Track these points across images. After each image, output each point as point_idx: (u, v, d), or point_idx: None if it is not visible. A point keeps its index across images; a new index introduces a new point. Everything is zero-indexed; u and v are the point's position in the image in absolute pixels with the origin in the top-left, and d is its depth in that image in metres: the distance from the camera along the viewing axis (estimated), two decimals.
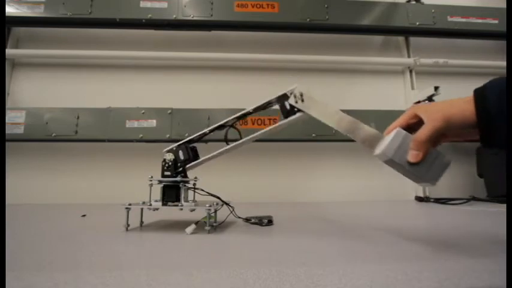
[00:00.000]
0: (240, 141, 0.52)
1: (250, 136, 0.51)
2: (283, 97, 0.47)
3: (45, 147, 1.17)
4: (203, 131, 0.54)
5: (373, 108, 1.22)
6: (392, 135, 0.37)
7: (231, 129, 0.55)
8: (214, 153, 0.53)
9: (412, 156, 0.35)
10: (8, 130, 1.06)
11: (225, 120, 0.54)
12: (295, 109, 0.46)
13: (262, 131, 0.51)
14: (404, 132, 0.37)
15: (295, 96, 0.46)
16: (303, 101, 0.45)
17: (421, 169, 0.35)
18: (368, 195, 1.22)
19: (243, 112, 0.53)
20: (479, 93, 0.33)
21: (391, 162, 0.37)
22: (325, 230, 0.54)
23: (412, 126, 0.38)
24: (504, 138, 0.31)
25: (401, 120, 0.38)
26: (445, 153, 0.36)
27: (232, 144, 0.52)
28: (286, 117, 0.47)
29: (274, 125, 0.50)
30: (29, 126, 1.08)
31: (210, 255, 0.36)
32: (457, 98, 0.35)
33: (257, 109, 0.52)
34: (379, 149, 0.38)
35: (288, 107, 0.47)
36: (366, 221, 0.65)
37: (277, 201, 1.12)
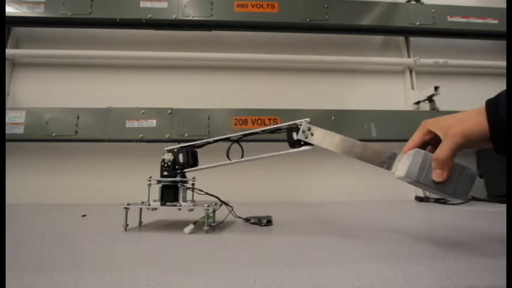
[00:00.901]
0: (242, 159, 0.52)
1: (253, 157, 0.52)
2: (293, 127, 0.48)
3: (45, 147, 1.17)
4: (207, 140, 0.54)
5: (373, 108, 1.22)
6: (411, 156, 0.36)
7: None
8: (212, 164, 0.53)
9: (437, 175, 0.34)
10: (8, 130, 1.06)
11: (231, 135, 0.53)
12: (302, 142, 0.47)
13: (265, 155, 0.51)
14: (423, 152, 0.36)
15: (303, 132, 0.47)
16: (312, 134, 0.46)
17: (449, 186, 0.35)
18: (368, 195, 1.22)
19: (250, 131, 0.53)
20: (491, 105, 0.33)
21: (416, 184, 0.36)
22: (324, 230, 0.54)
23: (427, 142, 0.38)
24: None
25: (417, 138, 0.38)
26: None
27: (233, 161, 0.52)
28: (291, 146, 0.49)
29: (279, 152, 0.50)
30: (29, 126, 1.08)
31: (208, 255, 0.36)
32: (467, 111, 0.35)
33: (265, 131, 0.52)
34: (401, 172, 0.37)
35: (295, 137, 0.48)
36: (366, 221, 0.65)
37: (277, 202, 1.12)
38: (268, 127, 0.52)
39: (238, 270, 0.28)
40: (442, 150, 0.34)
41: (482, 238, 0.45)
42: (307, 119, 0.47)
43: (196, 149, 0.56)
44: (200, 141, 0.54)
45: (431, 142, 0.36)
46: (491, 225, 0.59)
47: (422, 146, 0.37)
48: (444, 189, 0.35)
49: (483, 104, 0.36)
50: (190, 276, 0.27)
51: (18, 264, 0.31)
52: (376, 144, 0.41)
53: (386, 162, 0.40)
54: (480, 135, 0.33)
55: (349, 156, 0.43)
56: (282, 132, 0.51)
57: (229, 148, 0.53)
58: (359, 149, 0.42)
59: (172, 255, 0.35)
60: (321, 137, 0.46)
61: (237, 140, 0.53)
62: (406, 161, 0.37)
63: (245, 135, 0.53)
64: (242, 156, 0.52)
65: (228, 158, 0.52)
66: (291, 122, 0.48)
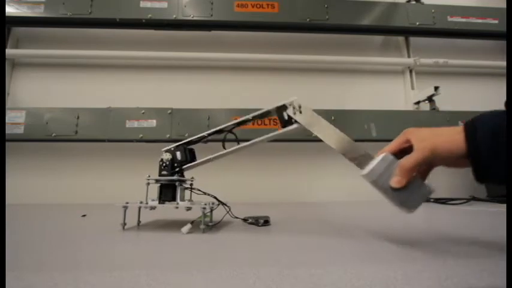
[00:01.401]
0: (237, 147, 0.52)
1: (247, 143, 0.52)
2: (282, 108, 0.49)
3: (45, 147, 1.17)
4: (202, 134, 0.55)
5: (373, 108, 1.22)
6: (379, 158, 0.38)
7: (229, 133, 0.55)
8: (211, 156, 0.53)
9: (395, 181, 0.36)
10: (8, 130, 1.06)
11: (224, 125, 0.54)
12: (293, 120, 0.47)
13: (259, 138, 0.52)
14: (391, 157, 0.38)
15: (294, 108, 0.47)
16: (300, 112, 0.47)
17: (402, 195, 0.36)
18: (368, 195, 1.21)
19: (242, 119, 0.53)
20: (469, 128, 0.33)
21: (375, 184, 0.38)
22: (323, 230, 0.53)
23: (405, 150, 0.38)
24: (497, 178, 0.31)
25: (394, 144, 0.39)
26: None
27: (229, 150, 0.53)
28: (283, 126, 0.49)
29: (271, 134, 0.51)
30: (29, 126, 1.08)
31: (207, 255, 0.36)
32: (448, 128, 0.35)
33: (256, 117, 0.53)
34: (366, 170, 0.38)
35: (286, 117, 0.48)
36: (366, 221, 0.65)
37: (276, 202, 1.12)
38: (258, 112, 0.52)
39: (238, 270, 0.28)
40: (407, 160, 0.35)
41: (482, 238, 0.45)
42: (295, 97, 0.47)
43: (193, 147, 0.57)
44: (195, 137, 0.55)
45: (409, 151, 0.37)
46: (491, 225, 0.59)
47: (399, 153, 0.38)
48: (396, 197, 0.36)
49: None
50: (190, 276, 0.27)
51: (18, 264, 0.31)
52: (363, 144, 0.42)
53: (358, 160, 0.41)
54: (452, 153, 0.34)
55: (328, 143, 0.44)
56: (271, 115, 0.52)
57: (224, 138, 0.54)
58: (338, 139, 0.44)
59: (171, 255, 0.35)
60: (309, 117, 0.46)
61: (230, 130, 0.54)
62: (374, 161, 0.38)
63: (237, 123, 0.53)
64: (238, 143, 0.53)
65: (224, 147, 0.53)
66: (279, 104, 0.49)
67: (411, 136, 0.37)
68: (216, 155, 0.53)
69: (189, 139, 0.55)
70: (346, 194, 1.23)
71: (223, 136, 0.54)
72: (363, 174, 0.39)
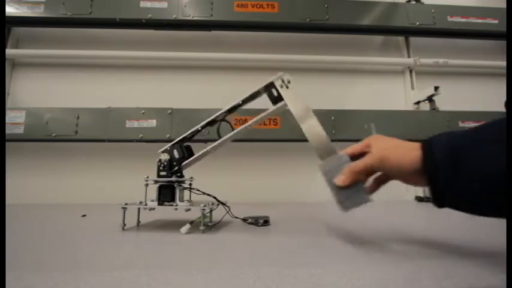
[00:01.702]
0: (232, 133, 0.52)
1: (242, 126, 0.52)
2: (271, 85, 0.49)
3: (45, 147, 1.17)
4: (195, 128, 0.54)
5: (373, 108, 1.22)
6: (337, 156, 0.40)
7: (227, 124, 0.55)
8: (208, 147, 0.53)
9: (339, 179, 0.38)
10: (8, 130, 1.06)
11: (216, 115, 0.54)
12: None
13: (253, 119, 0.52)
14: (347, 157, 0.39)
15: (283, 81, 0.47)
16: (287, 87, 0.47)
17: (342, 194, 0.38)
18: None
19: (232, 105, 0.53)
20: (427, 147, 0.32)
21: (324, 177, 0.39)
22: (323, 230, 0.53)
23: (364, 154, 0.39)
24: (454, 203, 0.31)
25: (357, 147, 0.40)
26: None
27: (224, 137, 0.52)
28: (274, 103, 0.49)
29: (264, 113, 0.51)
30: (29, 126, 1.08)
31: (206, 255, 0.36)
32: (408, 142, 0.35)
33: (246, 100, 0.53)
34: (321, 163, 0.41)
35: (275, 94, 0.49)
36: (365, 221, 0.64)
37: (276, 202, 1.12)
38: (247, 95, 0.52)
39: (238, 270, 0.28)
40: (356, 163, 0.37)
41: (481, 238, 0.45)
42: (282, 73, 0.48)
43: (194, 147, 0.57)
44: (188, 132, 0.55)
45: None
46: (491, 225, 0.59)
47: (359, 155, 0.39)
48: (337, 194, 0.38)
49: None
50: (190, 276, 0.27)
51: (18, 264, 0.31)
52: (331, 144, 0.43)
53: (322, 152, 0.42)
54: (402, 168, 0.34)
55: (300, 124, 0.45)
56: (261, 94, 0.52)
57: (218, 126, 0.54)
58: (311, 124, 0.44)
59: (171, 255, 0.35)
60: (293, 94, 0.47)
61: (223, 118, 0.54)
62: (332, 157, 0.41)
63: (229, 110, 0.54)
64: (233, 129, 0.53)
65: (219, 135, 0.53)
66: (267, 82, 0.49)
67: (373, 142, 0.38)
68: (213, 145, 0.53)
69: (183, 136, 0.55)
70: None
71: (217, 125, 0.54)
72: (319, 165, 0.41)
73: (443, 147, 0.30)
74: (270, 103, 0.51)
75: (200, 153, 0.54)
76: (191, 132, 0.55)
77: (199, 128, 0.54)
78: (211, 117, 0.54)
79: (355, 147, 0.40)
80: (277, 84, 0.47)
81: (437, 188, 0.31)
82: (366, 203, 0.38)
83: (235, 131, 0.52)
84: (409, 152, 0.33)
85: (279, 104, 0.48)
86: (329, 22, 1.26)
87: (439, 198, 0.31)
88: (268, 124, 1.12)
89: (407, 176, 0.35)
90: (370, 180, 0.40)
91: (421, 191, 1.21)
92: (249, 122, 0.52)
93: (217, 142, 0.53)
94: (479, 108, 1.23)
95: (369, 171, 0.37)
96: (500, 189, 0.26)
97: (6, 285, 0.25)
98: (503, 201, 0.26)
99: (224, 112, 0.54)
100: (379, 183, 0.41)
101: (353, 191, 0.37)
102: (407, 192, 1.24)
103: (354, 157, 0.39)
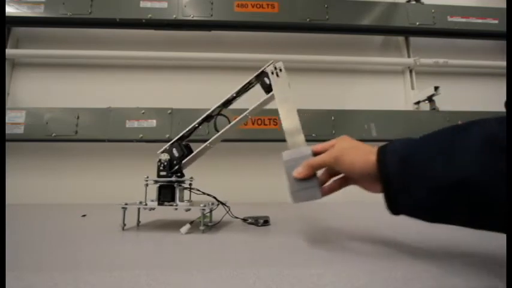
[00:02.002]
0: (229, 125, 0.52)
1: (238, 118, 0.52)
2: (262, 74, 0.49)
3: (45, 147, 1.17)
4: (192, 125, 0.55)
5: (373, 108, 1.22)
6: (302, 148, 0.41)
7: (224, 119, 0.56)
8: (207, 143, 0.53)
9: (296, 171, 0.39)
10: (8, 130, 1.06)
11: (211, 109, 0.54)
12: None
13: (248, 110, 0.52)
14: (310, 152, 0.40)
15: (275, 68, 0.47)
16: (278, 76, 0.48)
17: (296, 186, 0.39)
18: (368, 195, 1.22)
19: (226, 98, 0.54)
20: (380, 157, 0.32)
21: (285, 166, 0.40)
22: (323, 230, 0.53)
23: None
24: (407, 212, 0.31)
25: (325, 145, 0.40)
26: None
27: (222, 131, 0.52)
28: (267, 93, 0.49)
29: (259, 102, 0.51)
30: (29, 126, 1.08)
31: (206, 255, 0.36)
32: (369, 146, 0.35)
33: (239, 92, 0.53)
34: (286, 151, 0.42)
35: (267, 82, 0.49)
36: (365, 221, 0.65)
37: (276, 202, 1.12)
38: (240, 86, 0.53)
39: (238, 270, 0.28)
40: (314, 158, 0.38)
41: (481, 238, 0.45)
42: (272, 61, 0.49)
43: (194, 149, 0.56)
44: (186, 130, 0.55)
45: None
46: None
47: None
48: (291, 185, 0.39)
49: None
50: (190, 276, 0.27)
51: (18, 264, 0.31)
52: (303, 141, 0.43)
53: (292, 140, 0.44)
54: (354, 170, 0.34)
55: (279, 108, 0.46)
56: (253, 84, 0.52)
57: (215, 121, 0.55)
58: (289, 109, 0.46)
59: (171, 255, 0.35)
60: (281, 81, 0.48)
61: (219, 113, 0.55)
62: (296, 149, 0.42)
63: (223, 104, 0.54)
64: (229, 122, 0.53)
65: (216, 130, 0.54)
66: (259, 71, 0.50)
67: (337, 142, 0.39)
68: (210, 140, 0.53)
69: (181, 134, 0.55)
70: (346, 195, 1.22)
71: (214, 120, 0.55)
72: (283, 152, 0.42)
73: (395, 157, 0.30)
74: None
75: (199, 149, 0.54)
76: (189, 130, 0.55)
77: (196, 125, 0.54)
78: (207, 113, 0.54)
79: (321, 145, 0.41)
80: (269, 70, 0.48)
81: (390, 198, 0.31)
82: (316, 199, 0.39)
83: (231, 124, 0.53)
84: (363, 155, 0.34)
85: (272, 93, 0.48)
86: (329, 22, 1.26)
87: (393, 208, 0.32)
88: (268, 124, 1.12)
89: (361, 179, 0.35)
90: (332, 180, 0.41)
91: None
92: (245, 113, 0.52)
93: (215, 136, 0.53)
94: (479, 108, 1.23)
95: (323, 167, 0.39)
96: (451, 200, 0.26)
97: (6, 285, 0.25)
98: (455, 211, 0.27)
99: (219, 106, 0.54)
100: (340, 184, 0.41)
101: (307, 185, 0.39)
102: None
103: (318, 154, 0.40)
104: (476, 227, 0.27)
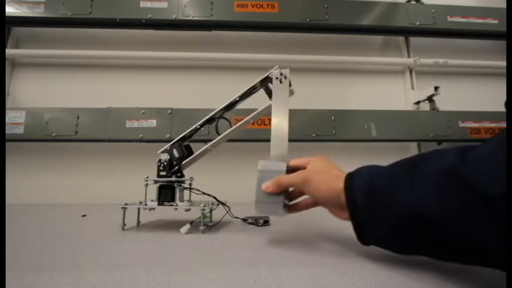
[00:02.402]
0: (230, 129, 0.53)
1: (239, 123, 0.52)
2: (267, 80, 0.49)
3: (45, 147, 1.17)
4: (194, 126, 0.55)
5: (373, 108, 1.22)
6: (278, 162, 0.42)
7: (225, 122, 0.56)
8: (208, 145, 0.53)
9: (264, 185, 0.39)
10: (8, 130, 1.06)
11: (214, 112, 0.54)
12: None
13: (250, 116, 0.52)
14: (283, 169, 0.41)
15: (281, 74, 0.48)
16: (281, 82, 0.48)
17: (263, 198, 0.39)
18: None
19: (230, 101, 0.54)
20: (347, 185, 0.32)
21: (258, 175, 0.41)
22: (323, 230, 0.53)
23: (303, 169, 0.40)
24: (375, 244, 0.31)
25: (300, 160, 0.41)
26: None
27: (223, 134, 0.53)
28: (271, 98, 0.50)
29: (262, 108, 0.51)
30: (29, 126, 1.08)
31: (206, 255, 0.36)
32: (339, 171, 0.36)
33: (243, 96, 0.53)
34: (263, 161, 0.42)
35: (271, 87, 0.49)
36: None
37: None
38: (244, 90, 0.53)
39: (238, 270, 0.28)
40: (285, 176, 0.38)
41: None
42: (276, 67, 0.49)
43: (195, 150, 0.56)
44: (188, 131, 0.55)
45: None
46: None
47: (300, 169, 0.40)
48: (258, 196, 0.39)
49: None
50: (190, 276, 0.27)
51: (18, 264, 0.31)
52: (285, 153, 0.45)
53: (272, 154, 0.46)
54: (319, 194, 0.35)
55: (272, 118, 0.47)
56: (257, 89, 0.52)
57: (216, 124, 0.55)
58: (281, 122, 0.47)
59: (171, 255, 0.35)
60: (283, 88, 0.47)
61: (221, 115, 0.55)
62: (273, 162, 0.43)
63: (226, 107, 0.54)
64: (231, 125, 0.53)
65: (218, 133, 0.54)
66: (263, 76, 0.50)
67: (311, 162, 0.39)
68: (211, 142, 0.53)
69: (182, 134, 0.55)
70: None
71: (215, 123, 0.55)
72: (260, 161, 0.42)
73: (362, 188, 0.30)
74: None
75: (200, 151, 0.54)
76: (190, 131, 0.55)
77: (198, 126, 0.54)
78: (209, 115, 0.54)
79: (298, 160, 0.41)
80: (274, 75, 0.48)
81: (358, 229, 0.31)
82: (278, 216, 0.40)
83: (233, 127, 0.53)
84: (330, 181, 0.34)
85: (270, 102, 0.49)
86: (329, 22, 1.26)
87: (363, 240, 0.32)
88: (268, 124, 1.12)
89: (326, 205, 0.36)
90: (302, 198, 0.42)
91: None
92: (246, 118, 0.52)
93: (216, 139, 0.53)
94: (479, 108, 1.23)
95: (291, 187, 0.39)
96: (412, 234, 0.26)
97: (6, 285, 0.25)
98: (418, 247, 0.27)
99: (222, 109, 0.54)
100: (307, 205, 0.41)
101: (272, 199, 0.39)
102: None
103: (294, 169, 0.40)
104: (443, 260, 0.27)
